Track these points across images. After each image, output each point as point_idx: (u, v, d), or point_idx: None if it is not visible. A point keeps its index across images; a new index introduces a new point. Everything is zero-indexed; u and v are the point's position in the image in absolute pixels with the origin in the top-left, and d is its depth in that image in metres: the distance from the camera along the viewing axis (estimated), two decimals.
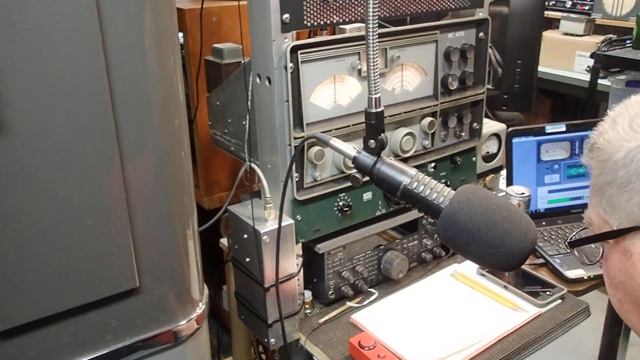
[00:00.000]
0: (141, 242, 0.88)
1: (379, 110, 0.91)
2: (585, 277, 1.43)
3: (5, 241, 0.76)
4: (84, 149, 0.79)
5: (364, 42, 1.22)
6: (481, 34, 1.43)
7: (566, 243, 0.82)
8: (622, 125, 0.69)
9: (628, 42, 2.98)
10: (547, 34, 3.48)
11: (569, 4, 3.76)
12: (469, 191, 0.88)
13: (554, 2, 3.79)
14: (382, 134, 0.93)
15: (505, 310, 1.33)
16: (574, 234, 0.80)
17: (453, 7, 1.37)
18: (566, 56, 3.42)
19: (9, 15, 0.69)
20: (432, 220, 1.41)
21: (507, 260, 0.85)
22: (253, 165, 1.28)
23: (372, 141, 0.94)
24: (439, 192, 0.89)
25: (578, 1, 3.72)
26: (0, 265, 0.76)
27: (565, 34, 3.51)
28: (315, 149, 1.22)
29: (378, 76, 0.91)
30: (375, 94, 0.91)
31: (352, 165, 0.98)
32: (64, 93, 0.76)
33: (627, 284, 0.71)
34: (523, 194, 1.53)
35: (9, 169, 0.73)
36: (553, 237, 1.59)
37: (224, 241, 1.59)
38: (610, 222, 0.71)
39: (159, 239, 0.91)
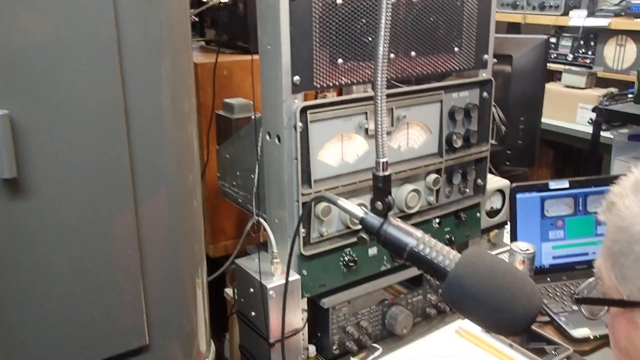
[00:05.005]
0: (152, 299, 0.89)
1: (386, 174, 0.94)
2: (592, 337, 1.42)
3: (18, 297, 0.77)
4: (101, 207, 0.81)
5: (371, 102, 1.27)
6: (485, 94, 1.47)
7: (573, 297, 0.81)
8: None
9: (630, 95, 3.04)
10: (549, 86, 3.55)
11: (570, 57, 3.84)
12: (475, 255, 0.89)
13: (555, 55, 3.88)
14: (389, 196, 0.95)
15: None
16: (582, 286, 0.80)
17: (458, 68, 1.42)
18: (568, 108, 3.48)
19: (32, 75, 0.73)
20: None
21: (513, 325, 0.85)
22: (261, 219, 1.30)
23: (379, 203, 0.96)
24: (444, 255, 0.91)
25: (579, 54, 3.81)
26: (11, 322, 0.77)
27: (567, 86, 3.58)
28: (323, 205, 1.24)
29: (386, 140, 0.94)
30: (382, 158, 0.93)
31: (356, 219, 1.00)
32: (82, 156, 0.79)
33: (631, 352, 0.72)
34: (527, 250, 1.54)
35: (27, 228, 0.76)
36: (558, 294, 1.59)
37: (228, 291, 1.60)
38: (621, 290, 0.70)
39: (169, 294, 0.93)
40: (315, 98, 1.49)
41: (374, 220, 0.97)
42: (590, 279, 0.79)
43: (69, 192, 0.77)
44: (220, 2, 1.78)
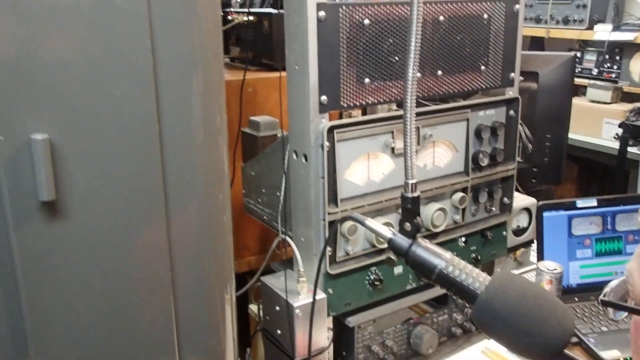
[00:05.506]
0: (182, 317, 0.90)
1: (415, 195, 0.94)
2: (622, 359, 1.39)
3: (51, 315, 0.79)
4: (133, 226, 0.83)
5: (397, 120, 1.27)
6: (511, 112, 1.47)
7: (599, 299, 0.79)
8: None
9: None
10: (574, 101, 3.47)
11: (595, 72, 3.80)
12: (505, 277, 0.88)
13: (580, 70, 3.84)
14: (418, 218, 0.95)
15: None
16: (609, 288, 0.77)
17: (484, 87, 1.42)
18: (594, 123, 3.43)
19: (70, 100, 0.74)
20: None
21: (544, 349, 0.84)
22: (287, 237, 1.30)
23: (407, 224, 0.96)
24: (474, 277, 0.90)
25: (604, 69, 3.77)
26: (44, 339, 0.79)
27: (592, 101, 3.54)
28: (349, 224, 1.24)
29: (415, 161, 0.94)
30: (411, 179, 0.93)
31: (384, 240, 1.00)
32: (116, 177, 0.80)
33: None
34: (555, 270, 1.52)
35: (62, 248, 0.77)
36: (586, 314, 1.56)
37: (253, 307, 1.61)
38: None
39: (199, 312, 0.93)
40: (340, 116, 1.49)
41: (403, 241, 0.96)
42: (619, 279, 0.76)
43: (104, 212, 0.79)
44: (246, 20, 1.81)
